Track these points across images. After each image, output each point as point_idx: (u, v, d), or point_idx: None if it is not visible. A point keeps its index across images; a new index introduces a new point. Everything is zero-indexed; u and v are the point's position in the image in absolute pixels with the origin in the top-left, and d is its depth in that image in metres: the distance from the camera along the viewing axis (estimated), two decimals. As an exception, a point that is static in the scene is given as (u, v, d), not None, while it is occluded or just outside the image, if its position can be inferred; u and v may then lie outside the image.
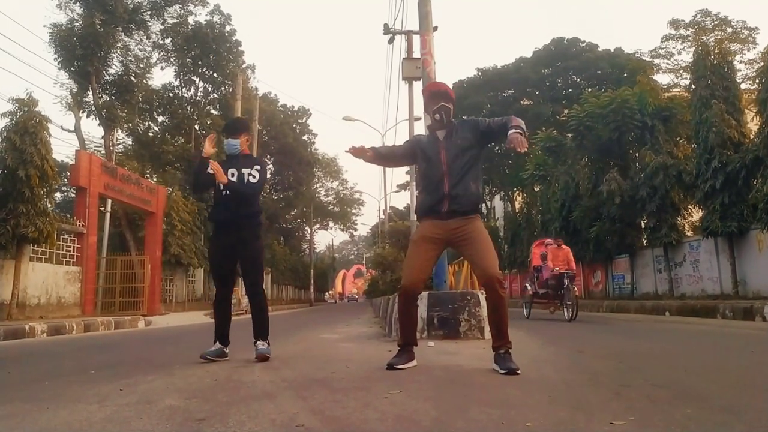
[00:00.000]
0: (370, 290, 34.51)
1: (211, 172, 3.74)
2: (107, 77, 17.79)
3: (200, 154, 3.89)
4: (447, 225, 3.21)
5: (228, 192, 3.81)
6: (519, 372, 2.86)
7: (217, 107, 24.45)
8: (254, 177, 3.85)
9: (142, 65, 19.16)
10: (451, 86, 3.61)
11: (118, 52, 17.96)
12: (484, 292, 3.31)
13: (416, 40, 9.81)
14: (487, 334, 3.75)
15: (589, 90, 20.61)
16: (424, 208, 3.32)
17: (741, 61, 19.48)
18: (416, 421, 1.88)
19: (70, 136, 22.30)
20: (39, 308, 10.52)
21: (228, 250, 3.85)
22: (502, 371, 2.89)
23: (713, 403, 2.13)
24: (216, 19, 22.44)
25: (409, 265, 3.30)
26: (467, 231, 3.17)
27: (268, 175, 4.45)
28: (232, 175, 3.81)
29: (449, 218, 3.20)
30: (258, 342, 3.82)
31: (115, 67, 18.03)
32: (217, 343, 3.83)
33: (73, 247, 11.97)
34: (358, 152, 3.39)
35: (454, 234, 3.20)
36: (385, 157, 3.62)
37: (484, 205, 34.08)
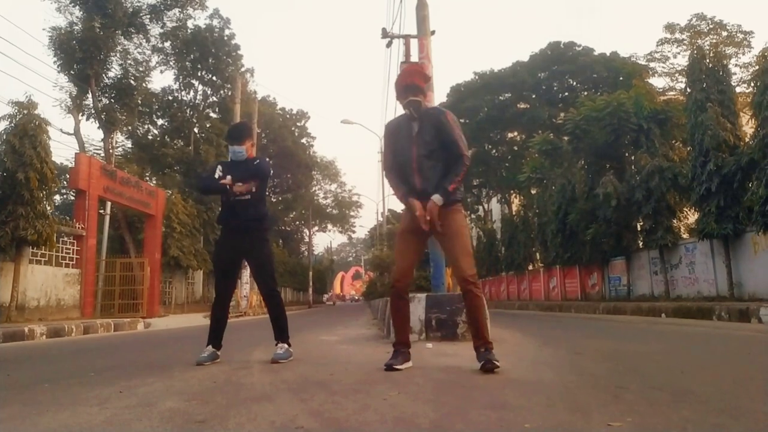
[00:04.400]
0: (368, 292, 34.54)
1: (223, 181, 3.80)
2: (107, 80, 17.81)
3: (222, 185, 3.80)
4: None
5: (235, 197, 3.83)
6: (498, 363, 2.91)
7: (216, 110, 24.51)
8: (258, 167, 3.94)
9: (141, 68, 19.23)
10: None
11: (118, 55, 18.01)
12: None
13: (414, 44, 9.82)
14: (486, 336, 3.75)
15: (585, 93, 20.70)
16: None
17: (736, 65, 19.61)
18: (415, 423, 1.89)
19: (70, 139, 22.37)
20: (38, 310, 10.50)
21: (234, 252, 3.92)
22: (480, 362, 2.97)
23: (711, 405, 2.14)
24: (215, 23, 22.54)
25: (396, 261, 3.39)
26: (444, 225, 3.16)
27: (269, 164, 4.60)
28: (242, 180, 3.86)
29: None
30: (278, 344, 3.86)
31: (114, 71, 18.10)
32: (210, 346, 3.82)
33: (73, 249, 11.95)
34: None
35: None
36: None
37: (481, 206, 34.13)
